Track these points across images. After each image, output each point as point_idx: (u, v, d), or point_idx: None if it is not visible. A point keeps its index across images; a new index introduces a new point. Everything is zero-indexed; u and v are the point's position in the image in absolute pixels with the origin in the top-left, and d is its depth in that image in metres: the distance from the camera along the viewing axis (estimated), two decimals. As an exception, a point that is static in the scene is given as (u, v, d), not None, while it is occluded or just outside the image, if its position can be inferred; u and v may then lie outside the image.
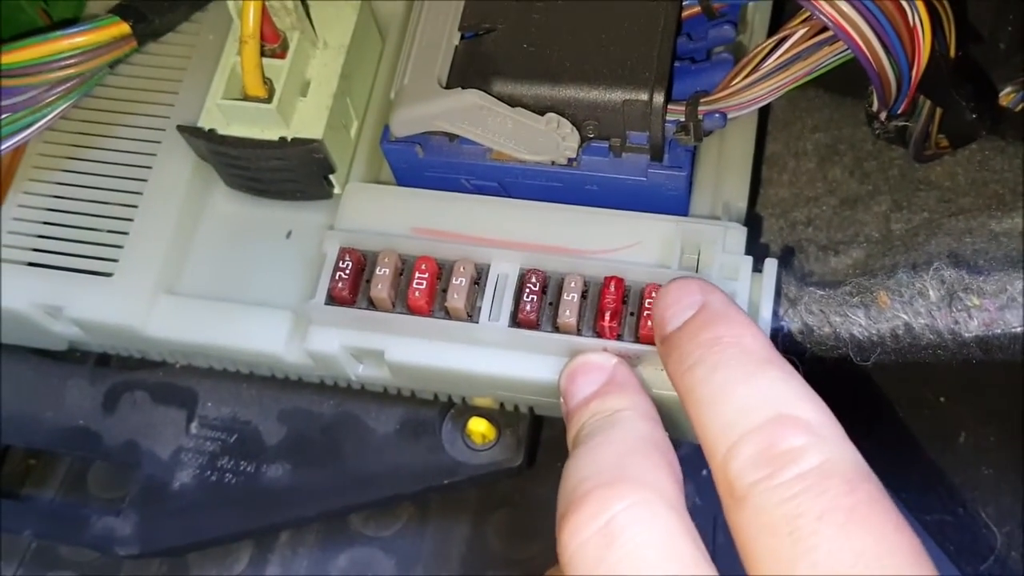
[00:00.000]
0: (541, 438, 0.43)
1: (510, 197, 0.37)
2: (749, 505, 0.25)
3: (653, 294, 0.32)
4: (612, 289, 0.33)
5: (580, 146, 0.35)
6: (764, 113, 0.42)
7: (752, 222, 0.37)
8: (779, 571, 0.24)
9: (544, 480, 0.45)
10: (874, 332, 0.34)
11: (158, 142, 0.40)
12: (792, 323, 0.35)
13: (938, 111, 0.36)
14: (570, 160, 0.35)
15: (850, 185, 0.43)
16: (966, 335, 0.32)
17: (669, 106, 0.33)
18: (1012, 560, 0.43)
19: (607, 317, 0.33)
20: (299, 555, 0.46)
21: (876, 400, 0.46)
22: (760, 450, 0.25)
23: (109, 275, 0.38)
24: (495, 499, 0.47)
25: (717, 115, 0.33)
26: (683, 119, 0.34)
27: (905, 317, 0.33)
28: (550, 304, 0.34)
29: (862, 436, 0.27)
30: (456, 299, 0.34)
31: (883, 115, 0.36)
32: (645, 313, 0.32)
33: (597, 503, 0.26)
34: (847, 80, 0.42)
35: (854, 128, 0.44)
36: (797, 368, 0.35)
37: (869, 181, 0.42)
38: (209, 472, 0.41)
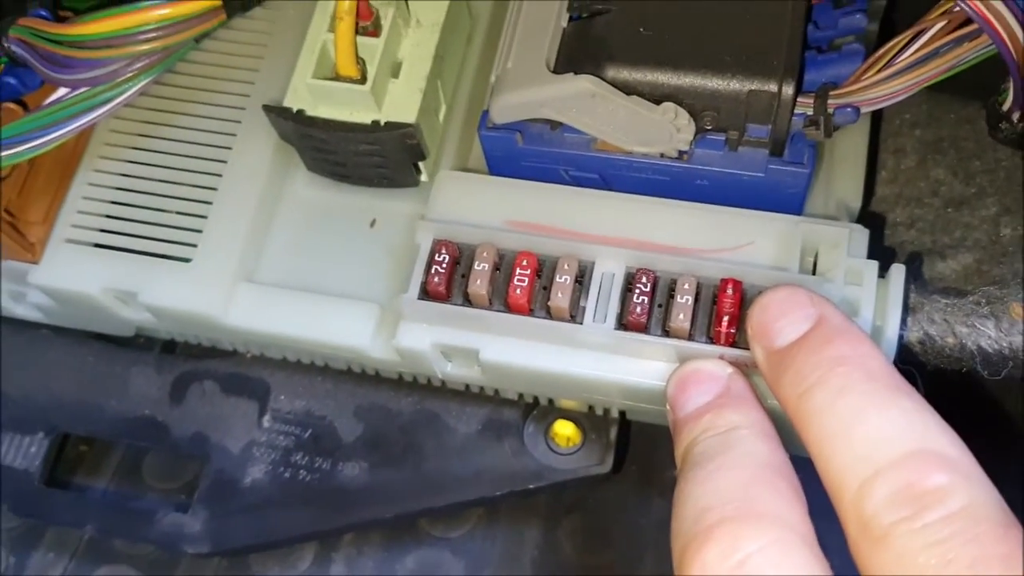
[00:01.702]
0: (625, 442, 0.41)
1: (611, 190, 0.35)
2: (890, 548, 0.23)
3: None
4: (730, 292, 0.31)
5: (694, 138, 0.33)
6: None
7: (868, 223, 0.34)
8: None
9: (618, 483, 0.44)
10: (1005, 345, 0.32)
11: (238, 122, 0.38)
12: (912, 332, 0.33)
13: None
14: (681, 152, 0.33)
15: (954, 186, 0.40)
16: (1115, 352, 0.30)
17: (797, 99, 0.31)
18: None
19: (724, 322, 0.31)
20: (364, 555, 0.44)
21: (978, 413, 0.43)
22: (900, 488, 0.23)
23: (187, 260, 0.36)
24: (567, 502, 0.45)
25: (849, 109, 0.31)
26: (811, 112, 0.31)
27: (1043, 331, 0.31)
28: (659, 306, 0.32)
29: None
30: (560, 298, 0.32)
31: (1016, 115, 0.33)
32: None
33: (728, 540, 0.24)
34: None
35: (956, 126, 0.41)
36: (916, 382, 0.33)
37: (974, 183, 0.40)
38: (282, 468, 0.39)
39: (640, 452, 0.43)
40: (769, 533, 0.24)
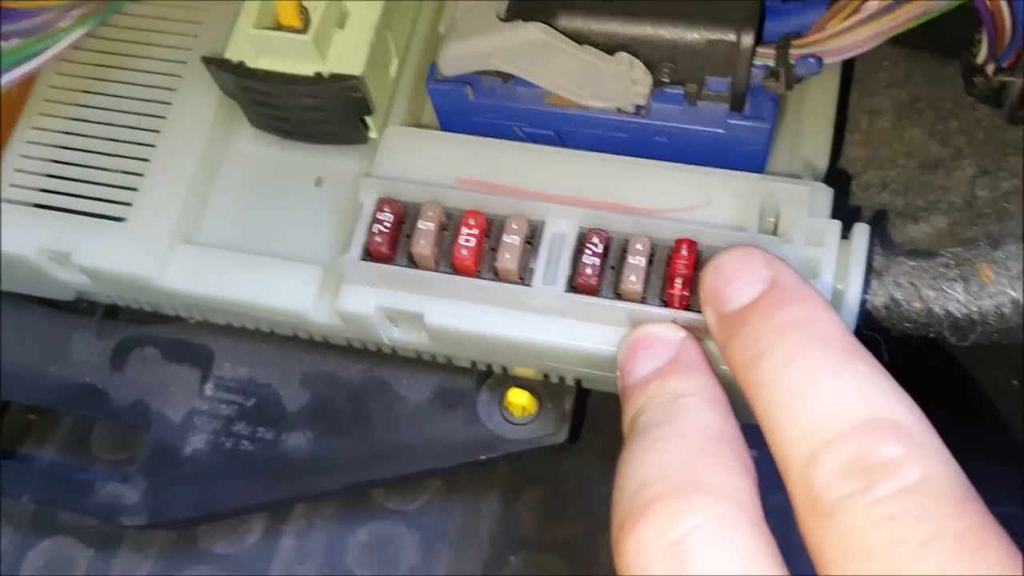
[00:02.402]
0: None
1: (567, 147, 0.33)
2: (837, 523, 0.21)
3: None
4: (684, 253, 0.30)
5: (651, 92, 0.31)
6: (848, 60, 0.38)
7: (835, 182, 0.33)
8: None
9: (580, 455, 0.42)
10: (975, 309, 0.30)
11: (179, 76, 0.37)
12: (877, 296, 0.32)
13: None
14: (638, 108, 0.32)
15: (930, 147, 0.39)
16: (1088, 317, 0.28)
17: (757, 49, 0.30)
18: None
19: (678, 284, 0.29)
20: (316, 528, 0.43)
21: (941, 380, 0.42)
22: (850, 460, 0.22)
23: (122, 220, 0.35)
24: (527, 474, 0.44)
25: (812, 60, 0.29)
26: (772, 64, 0.30)
27: (1013, 293, 0.29)
28: (611, 268, 0.31)
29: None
30: (507, 259, 0.30)
31: (990, 68, 0.32)
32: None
33: (665, 516, 0.23)
34: (922, 34, 0.39)
35: (933, 85, 0.40)
36: (880, 349, 0.32)
37: (951, 143, 0.39)
38: (224, 438, 0.38)
39: (603, 423, 0.42)
40: (709, 508, 0.22)
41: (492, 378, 0.38)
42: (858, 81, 0.41)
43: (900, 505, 0.21)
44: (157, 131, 0.36)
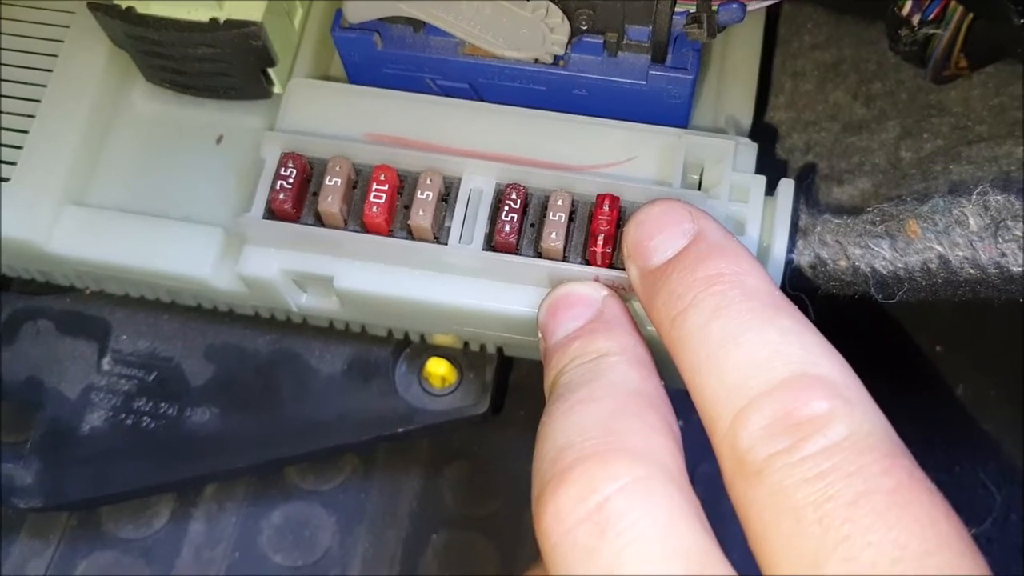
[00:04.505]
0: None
1: (483, 101, 0.32)
2: (765, 483, 0.21)
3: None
4: (606, 209, 0.28)
5: (570, 41, 0.30)
6: (773, 12, 0.37)
7: (759, 138, 0.32)
8: (805, 564, 0.20)
9: (506, 427, 0.41)
10: (901, 266, 0.29)
11: (66, 26, 0.34)
12: (802, 256, 0.31)
13: (965, 23, 0.32)
14: (557, 58, 0.30)
15: (854, 109, 0.38)
16: (1015, 269, 0.28)
17: (679, -6, 0.29)
18: (1011, 523, 0.40)
19: (600, 241, 0.28)
20: (227, 510, 0.41)
21: (865, 346, 0.42)
22: (776, 417, 0.21)
23: (5, 180, 0.32)
24: (450, 449, 0.42)
25: (735, 5, 0.28)
26: (694, 10, 0.29)
27: (939, 248, 0.29)
28: (531, 225, 0.29)
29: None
30: (421, 216, 0.29)
31: (916, 19, 0.31)
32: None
33: (585, 480, 0.21)
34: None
35: (857, 47, 0.39)
36: (806, 309, 0.31)
37: (875, 105, 0.38)
38: (124, 415, 0.36)
39: (527, 394, 0.41)
40: (631, 471, 0.21)
41: (410, 348, 0.36)
42: (781, 43, 0.40)
43: (829, 462, 0.20)
44: (43, 85, 0.33)
